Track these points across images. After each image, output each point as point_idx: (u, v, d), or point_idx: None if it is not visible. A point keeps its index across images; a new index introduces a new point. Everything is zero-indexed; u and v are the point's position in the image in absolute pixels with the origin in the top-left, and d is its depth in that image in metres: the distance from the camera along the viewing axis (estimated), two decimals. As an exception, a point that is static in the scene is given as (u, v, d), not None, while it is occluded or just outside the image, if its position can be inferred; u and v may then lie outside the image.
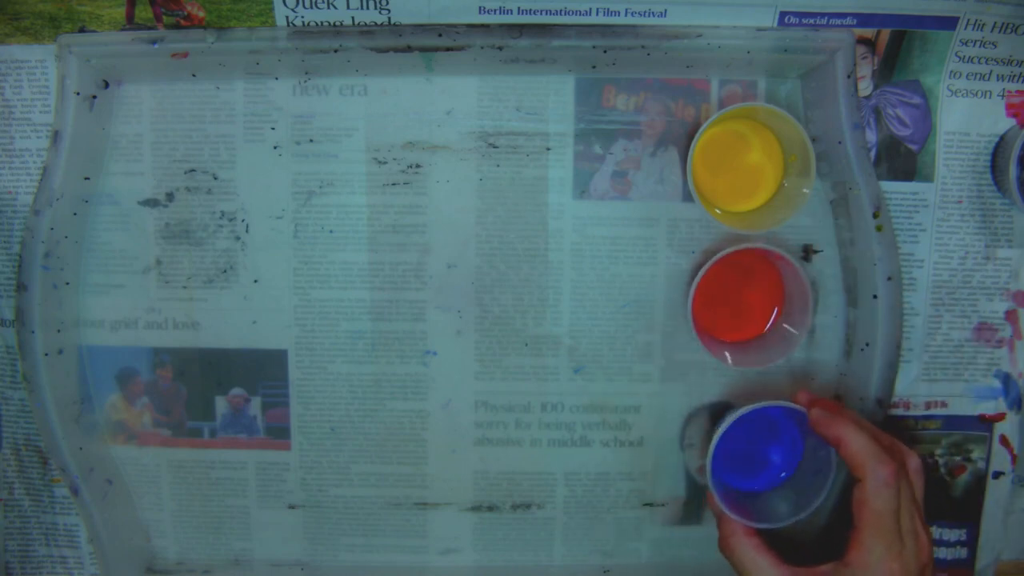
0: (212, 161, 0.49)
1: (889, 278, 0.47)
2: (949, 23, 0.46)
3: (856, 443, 0.42)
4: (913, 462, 0.43)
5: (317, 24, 0.45)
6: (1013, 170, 0.47)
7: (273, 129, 0.48)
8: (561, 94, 0.49)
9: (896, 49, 0.47)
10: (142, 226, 0.49)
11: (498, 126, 0.49)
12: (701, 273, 0.46)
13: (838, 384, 0.51)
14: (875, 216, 0.47)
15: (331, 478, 0.52)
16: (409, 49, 0.45)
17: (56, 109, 0.45)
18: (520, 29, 0.44)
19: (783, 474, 0.49)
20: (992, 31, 0.46)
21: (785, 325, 0.50)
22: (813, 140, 0.47)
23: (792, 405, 0.45)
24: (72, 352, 0.49)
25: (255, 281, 0.49)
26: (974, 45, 0.47)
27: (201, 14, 0.45)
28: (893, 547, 0.40)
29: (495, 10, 0.44)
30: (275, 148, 0.49)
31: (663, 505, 0.52)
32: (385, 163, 0.49)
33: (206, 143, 0.48)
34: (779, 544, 0.44)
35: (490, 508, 0.52)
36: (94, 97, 0.46)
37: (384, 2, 0.44)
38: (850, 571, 0.41)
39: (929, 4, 0.45)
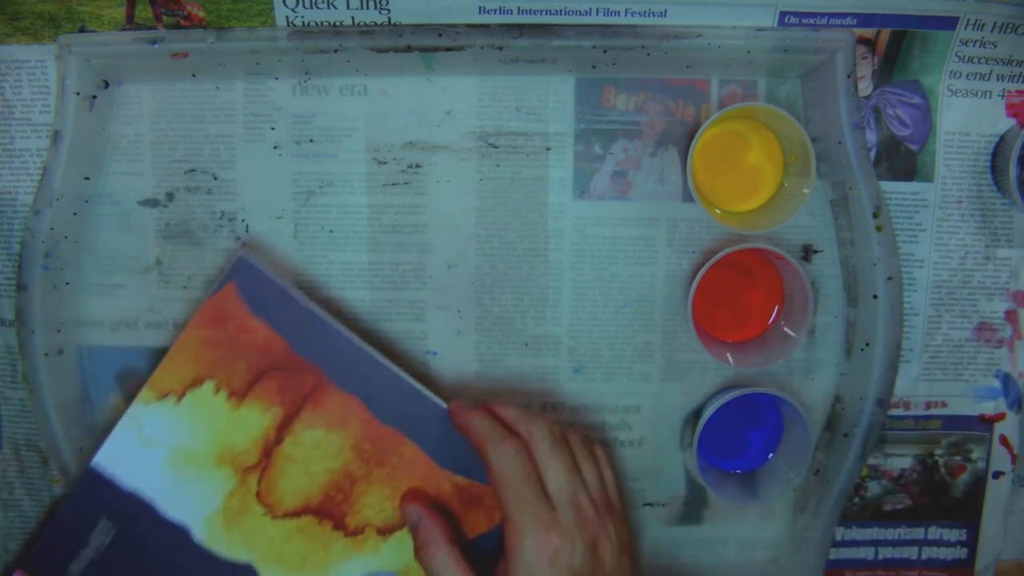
0: (212, 161, 0.49)
1: (889, 278, 0.47)
2: (949, 23, 0.46)
3: (476, 425, 0.42)
4: (540, 432, 0.41)
5: (317, 24, 0.45)
6: (1013, 170, 0.48)
7: (273, 129, 0.48)
8: (561, 94, 0.49)
9: (896, 49, 0.47)
10: (142, 226, 0.49)
11: (498, 126, 0.49)
12: (701, 273, 0.47)
13: (838, 384, 0.51)
14: (875, 216, 0.47)
15: (331, 478, 0.52)
16: (409, 49, 0.45)
17: (56, 109, 0.45)
18: (520, 29, 0.44)
19: (769, 455, 0.51)
20: (992, 31, 0.46)
21: (784, 326, 0.50)
22: (813, 140, 0.47)
23: (774, 392, 0.48)
24: (72, 352, 0.49)
25: (255, 281, 0.49)
26: (974, 45, 0.47)
27: (201, 14, 0.45)
28: (543, 517, 0.38)
29: (495, 10, 0.44)
30: (275, 148, 0.49)
31: (663, 505, 0.52)
32: (385, 163, 0.49)
33: (206, 143, 0.48)
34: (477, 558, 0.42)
35: (490, 508, 0.52)
36: (94, 97, 0.46)
37: (384, 2, 0.44)
38: (513, 559, 0.38)
39: (929, 4, 0.45)
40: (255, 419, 0.46)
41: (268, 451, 0.46)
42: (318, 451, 0.46)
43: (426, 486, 0.46)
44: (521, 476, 0.40)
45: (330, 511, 0.46)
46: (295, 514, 0.46)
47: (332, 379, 0.46)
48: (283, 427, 0.46)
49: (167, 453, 0.46)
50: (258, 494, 0.46)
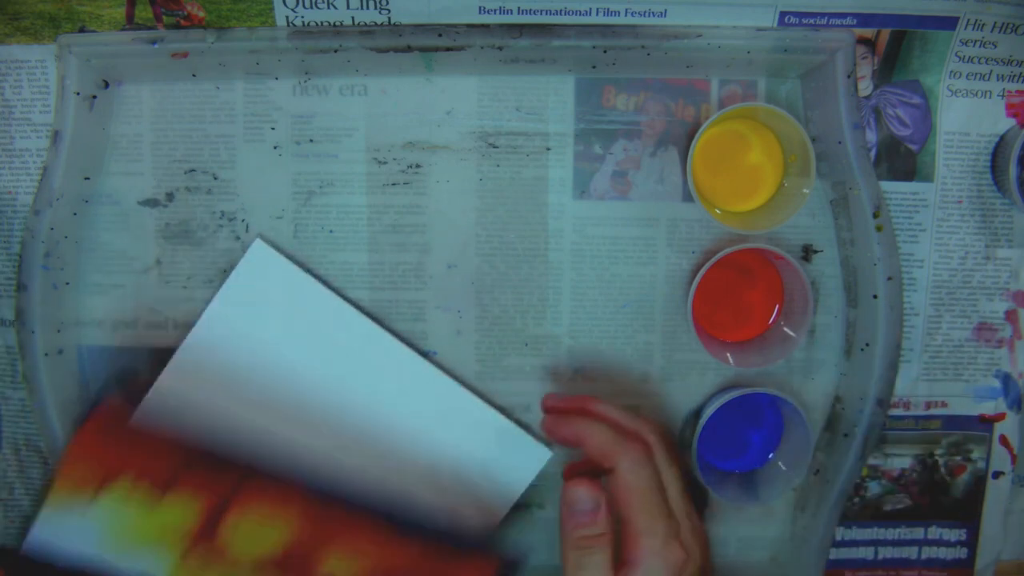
0: (212, 161, 0.49)
1: (889, 278, 0.47)
2: (949, 23, 0.46)
3: (596, 436, 0.40)
4: (655, 438, 0.40)
5: (317, 24, 0.45)
6: (1013, 170, 0.48)
7: (273, 129, 0.48)
8: (561, 94, 0.49)
9: (896, 49, 0.47)
10: (142, 226, 0.49)
11: (498, 126, 0.49)
12: (701, 273, 0.47)
13: (838, 384, 0.51)
14: (875, 216, 0.47)
15: (331, 478, 0.52)
16: (409, 49, 0.45)
17: (56, 109, 0.45)
18: (520, 29, 0.44)
19: (769, 455, 0.51)
20: (992, 31, 0.46)
21: (784, 326, 0.50)
22: (813, 140, 0.47)
23: (774, 392, 0.48)
24: (72, 352, 0.49)
25: (255, 281, 0.49)
26: (974, 45, 0.47)
27: (201, 14, 0.45)
28: (669, 529, 0.37)
29: (495, 10, 0.44)
30: (275, 148, 0.49)
31: (663, 505, 0.52)
32: (385, 163, 0.49)
33: (206, 143, 0.48)
34: None
35: (490, 508, 0.52)
36: (94, 97, 0.46)
37: (384, 2, 0.44)
38: (634, 565, 0.37)
39: (929, 4, 0.45)
40: (178, 518, 0.41)
41: (202, 539, 0.41)
42: (254, 542, 0.41)
43: (388, 553, 0.41)
44: (651, 485, 0.38)
45: (294, 568, 0.41)
46: (260, 569, 0.41)
47: (261, 469, 0.42)
48: (209, 525, 0.41)
49: (96, 543, 0.41)
50: (208, 562, 0.41)
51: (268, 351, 0.48)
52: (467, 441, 0.44)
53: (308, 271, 0.49)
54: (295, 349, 0.48)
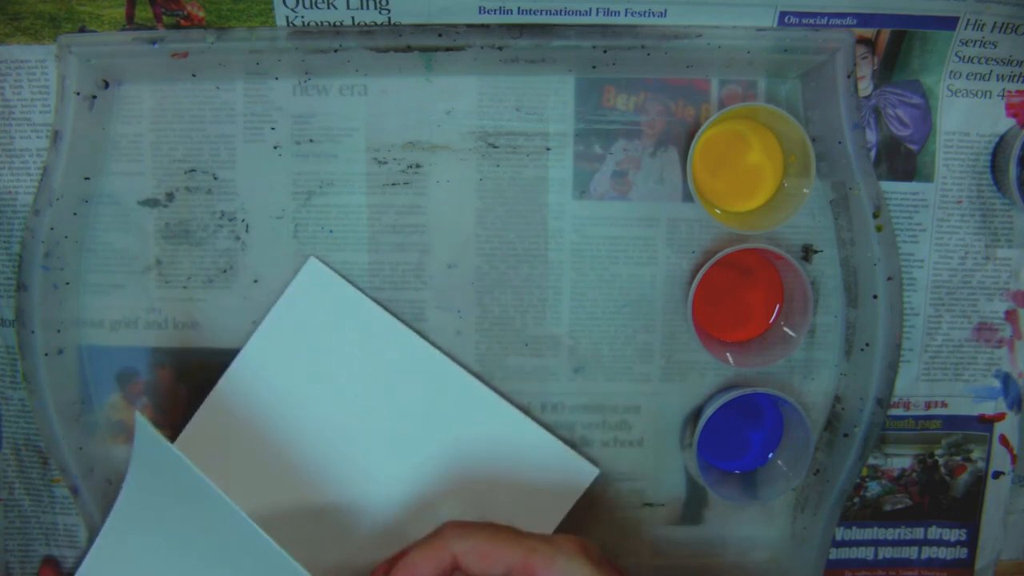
0: (212, 161, 0.49)
1: (889, 278, 0.47)
2: (949, 23, 0.46)
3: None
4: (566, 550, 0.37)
5: (317, 24, 0.45)
6: (1013, 170, 0.48)
7: (273, 129, 0.48)
8: (561, 94, 0.49)
9: (896, 49, 0.47)
10: (142, 226, 0.49)
11: (498, 126, 0.49)
12: (701, 273, 0.47)
13: (838, 384, 0.51)
14: (875, 216, 0.47)
15: (331, 478, 0.52)
16: (409, 49, 0.45)
17: (56, 109, 0.45)
18: (520, 29, 0.44)
19: (769, 455, 0.51)
20: (992, 31, 0.46)
21: (784, 326, 0.50)
22: (813, 140, 0.47)
23: (774, 392, 0.48)
24: (72, 352, 0.49)
25: (255, 281, 0.49)
26: (974, 45, 0.47)
27: (201, 14, 0.45)
28: None
29: (495, 10, 0.44)
30: (275, 148, 0.49)
31: (663, 505, 0.52)
32: (385, 163, 0.49)
33: (206, 143, 0.48)
34: None
35: (490, 508, 0.52)
36: (94, 97, 0.46)
37: (384, 2, 0.44)
38: None
39: (929, 4, 0.45)
40: None
41: None
42: None
43: None
44: None
45: None
46: None
47: None
48: None
49: None
50: None
51: (321, 371, 0.48)
52: (516, 460, 0.45)
53: (361, 290, 0.49)
54: (349, 369, 0.48)
